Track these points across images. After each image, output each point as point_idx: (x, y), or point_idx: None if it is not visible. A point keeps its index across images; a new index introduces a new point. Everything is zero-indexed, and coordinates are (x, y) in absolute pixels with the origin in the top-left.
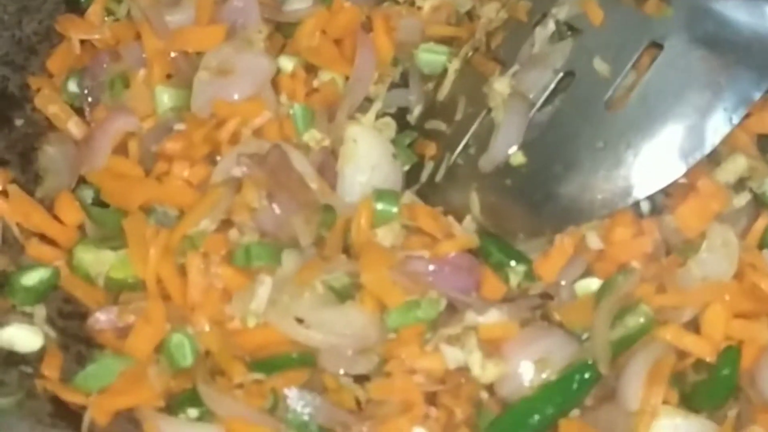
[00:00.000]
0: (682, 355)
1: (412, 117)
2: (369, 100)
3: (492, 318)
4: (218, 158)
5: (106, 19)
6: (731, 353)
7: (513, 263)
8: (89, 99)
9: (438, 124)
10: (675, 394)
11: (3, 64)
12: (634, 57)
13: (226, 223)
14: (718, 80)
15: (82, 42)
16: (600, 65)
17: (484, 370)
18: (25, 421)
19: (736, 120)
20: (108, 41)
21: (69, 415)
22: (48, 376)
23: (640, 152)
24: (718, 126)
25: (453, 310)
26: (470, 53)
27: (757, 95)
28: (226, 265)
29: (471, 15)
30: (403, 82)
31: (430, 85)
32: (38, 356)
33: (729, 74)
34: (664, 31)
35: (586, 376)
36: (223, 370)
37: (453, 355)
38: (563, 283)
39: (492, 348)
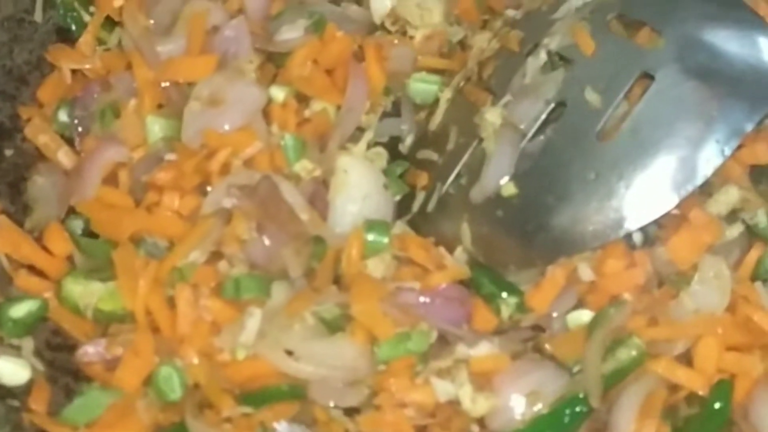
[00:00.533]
0: (674, 388)
1: (404, 146)
2: (361, 130)
3: (483, 351)
4: (209, 189)
5: (96, 48)
6: (724, 387)
7: (504, 295)
8: (79, 129)
9: (429, 154)
10: (667, 428)
11: None
12: (626, 88)
13: (216, 255)
14: (710, 112)
15: (73, 72)
16: (591, 96)
17: (475, 404)
18: None
19: (728, 152)
20: (99, 71)
21: None
22: (35, 410)
23: (632, 184)
24: (710, 157)
25: (444, 342)
26: (462, 83)
27: (750, 127)
28: (216, 297)
29: (463, 44)
30: (395, 112)
31: (422, 115)
32: (25, 390)
33: (721, 106)
34: (655, 62)
35: (578, 409)
36: (211, 403)
37: (443, 389)
38: (555, 314)
39: (483, 381)
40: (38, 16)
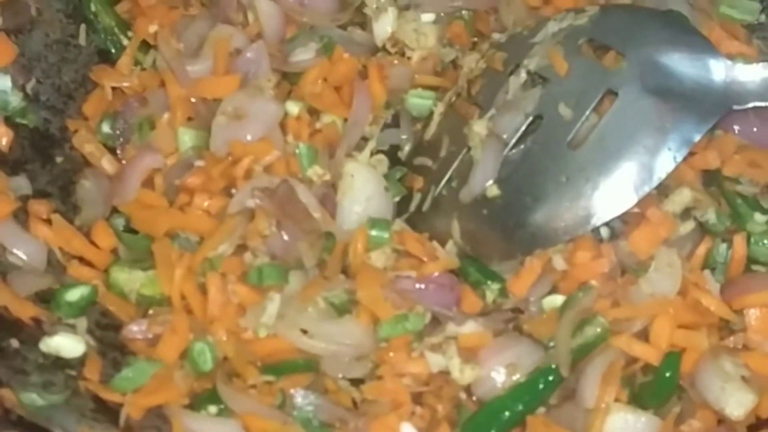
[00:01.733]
0: (632, 360)
1: (403, 154)
2: (365, 139)
3: (469, 329)
4: (234, 191)
5: (134, 68)
6: (673, 358)
7: (489, 282)
8: (120, 139)
9: (425, 161)
10: (626, 394)
11: (45, 108)
12: (594, 103)
13: (241, 248)
14: (664, 124)
15: (114, 89)
16: (564, 110)
17: (463, 374)
18: (72, 415)
19: (679, 158)
20: (136, 88)
21: (108, 411)
22: (89, 378)
23: (597, 186)
24: (664, 164)
25: (436, 322)
26: (453, 98)
27: (697, 137)
28: (241, 283)
29: (455, 64)
30: (395, 123)
31: (419, 126)
32: (81, 361)
33: (674, 119)
34: (618, 81)
35: (550, 378)
36: (238, 373)
37: (435, 361)
38: (532, 299)
39: (469, 354)
40: (82, 39)
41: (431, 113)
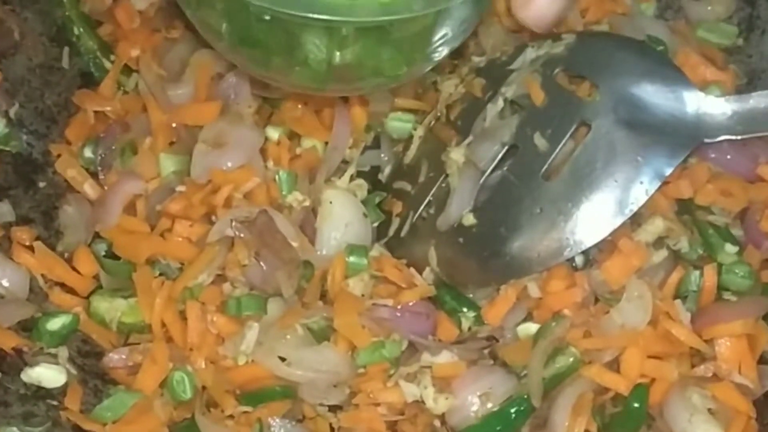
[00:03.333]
0: (602, 390)
1: (383, 175)
2: (345, 162)
3: (444, 359)
4: (214, 218)
5: (117, 91)
6: (641, 390)
7: (464, 309)
8: (102, 164)
9: (404, 185)
10: (596, 424)
11: (28, 132)
12: (568, 135)
13: (220, 277)
14: (637, 158)
15: (96, 113)
16: (539, 140)
17: (437, 403)
18: None
19: (651, 191)
20: (118, 112)
21: None
22: (70, 408)
23: (570, 218)
24: (636, 197)
25: (413, 350)
26: (432, 122)
27: (669, 170)
28: (220, 313)
29: (435, 86)
30: (376, 144)
31: (399, 147)
32: (62, 391)
33: (646, 152)
34: (592, 113)
35: (522, 408)
36: (217, 403)
37: (410, 391)
38: (507, 326)
39: (443, 384)
40: (65, 62)
41: (411, 136)
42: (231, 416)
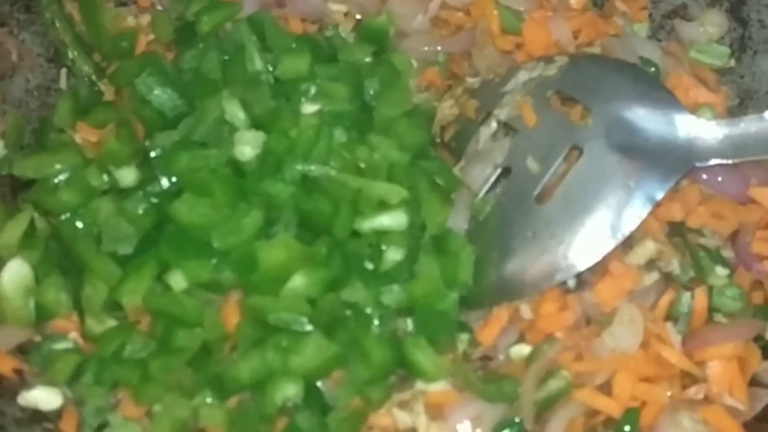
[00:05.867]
0: (594, 413)
1: None
2: None
3: (437, 387)
4: None
5: None
6: (632, 413)
7: (458, 333)
8: None
9: None
10: None
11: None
12: (560, 159)
13: None
14: (629, 182)
15: None
16: (532, 164)
17: (429, 431)
18: None
19: (643, 215)
20: None
21: None
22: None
23: (562, 242)
24: (628, 221)
25: (406, 376)
26: None
27: (661, 195)
28: None
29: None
30: None
31: None
32: (58, 414)
33: (638, 177)
34: (584, 136)
35: (515, 431)
36: None
37: (402, 419)
38: (500, 348)
39: (436, 412)
40: (63, 84)
41: None
42: None
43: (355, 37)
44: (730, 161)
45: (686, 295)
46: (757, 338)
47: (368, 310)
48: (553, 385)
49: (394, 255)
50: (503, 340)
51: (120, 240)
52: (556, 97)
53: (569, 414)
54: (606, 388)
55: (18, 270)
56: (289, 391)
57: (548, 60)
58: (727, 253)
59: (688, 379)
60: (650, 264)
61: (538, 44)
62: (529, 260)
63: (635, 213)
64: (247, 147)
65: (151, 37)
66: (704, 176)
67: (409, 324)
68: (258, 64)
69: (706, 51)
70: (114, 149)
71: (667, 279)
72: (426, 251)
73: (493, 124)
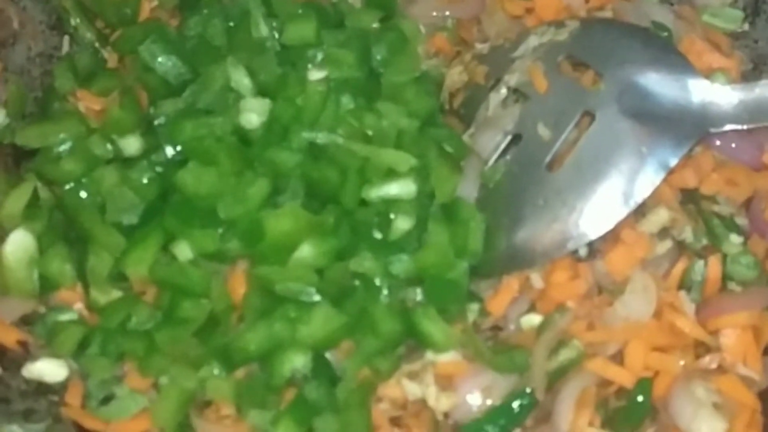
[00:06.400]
0: (606, 383)
1: None
2: None
3: (447, 357)
4: None
5: None
6: (645, 383)
7: (468, 302)
8: None
9: None
10: (599, 418)
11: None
12: (571, 125)
13: None
14: (641, 148)
15: None
16: (543, 130)
17: (438, 402)
18: None
19: (656, 182)
20: None
21: None
22: (71, 404)
23: (574, 210)
24: (640, 188)
25: (415, 346)
26: None
27: (674, 161)
28: None
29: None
30: None
31: None
32: (63, 386)
33: (651, 143)
34: (596, 102)
35: (526, 401)
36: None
37: (412, 390)
38: (510, 318)
39: (446, 382)
40: (65, 51)
41: None
42: (227, 416)
43: (362, 3)
44: (744, 127)
45: (699, 264)
46: None
47: (377, 280)
48: (565, 355)
49: (402, 224)
50: (514, 310)
51: (125, 210)
52: (567, 63)
53: (581, 384)
54: (618, 358)
55: (21, 240)
56: (297, 362)
57: (559, 24)
58: (741, 221)
59: (701, 348)
60: (663, 232)
61: (549, 8)
62: (540, 228)
63: (648, 180)
64: (253, 114)
65: (155, 3)
66: (717, 142)
67: (419, 294)
68: (263, 30)
69: (719, 15)
70: (118, 118)
71: (680, 247)
72: (435, 220)
73: (503, 91)
